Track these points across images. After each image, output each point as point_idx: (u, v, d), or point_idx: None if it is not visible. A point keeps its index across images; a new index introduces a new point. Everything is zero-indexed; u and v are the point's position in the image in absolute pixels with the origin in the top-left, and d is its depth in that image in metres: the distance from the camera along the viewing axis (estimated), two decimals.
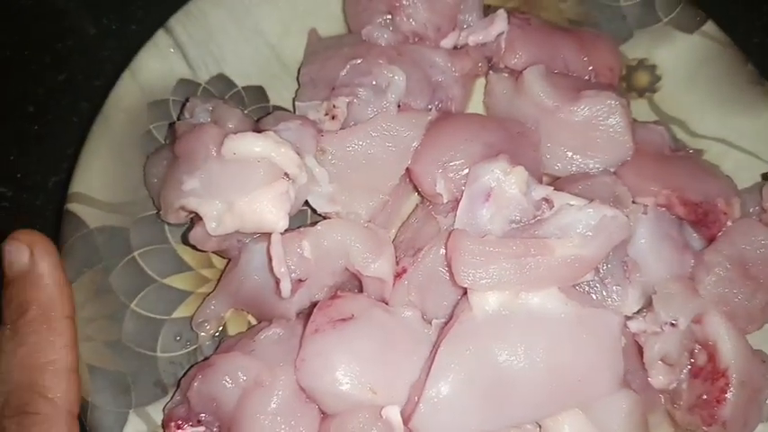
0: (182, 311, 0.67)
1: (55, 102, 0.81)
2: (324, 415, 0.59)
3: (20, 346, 0.56)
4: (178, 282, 0.68)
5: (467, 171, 0.65)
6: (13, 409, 0.54)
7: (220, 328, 0.67)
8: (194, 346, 0.66)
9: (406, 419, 0.57)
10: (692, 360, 0.64)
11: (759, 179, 0.70)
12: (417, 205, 0.71)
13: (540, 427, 0.60)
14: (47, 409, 0.55)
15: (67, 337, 0.58)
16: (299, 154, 0.64)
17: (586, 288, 0.62)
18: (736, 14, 0.83)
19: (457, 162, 0.65)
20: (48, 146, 0.79)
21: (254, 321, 0.68)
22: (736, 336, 0.62)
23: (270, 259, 0.61)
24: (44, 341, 0.57)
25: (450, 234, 0.61)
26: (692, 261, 0.66)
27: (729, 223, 0.66)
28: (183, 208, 0.63)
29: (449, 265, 0.60)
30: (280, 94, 0.75)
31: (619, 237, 0.60)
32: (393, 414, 0.57)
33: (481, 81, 0.76)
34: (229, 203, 0.61)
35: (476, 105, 0.76)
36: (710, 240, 0.66)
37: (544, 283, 0.59)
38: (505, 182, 0.62)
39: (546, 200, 0.63)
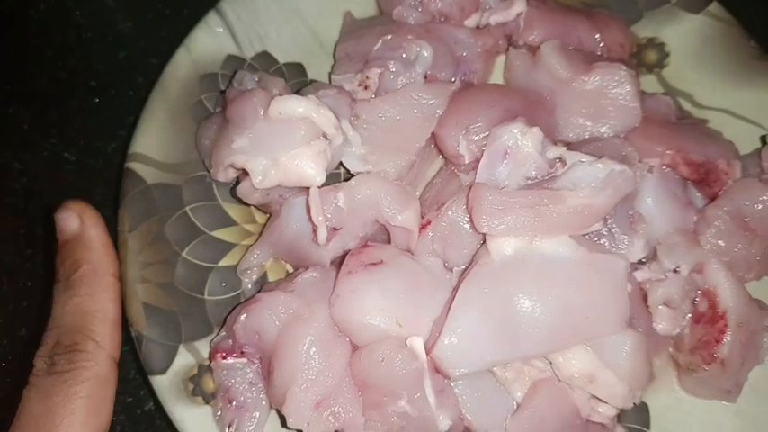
0: (227, 260, 0.74)
1: (114, 77, 0.90)
2: (355, 347, 0.66)
3: (72, 296, 0.63)
4: (224, 234, 0.75)
5: (487, 134, 0.71)
6: (63, 347, 0.60)
7: (261, 276, 0.75)
8: (238, 291, 0.73)
9: (429, 350, 0.63)
10: (694, 307, 0.69)
11: (760, 147, 0.75)
12: (441, 167, 0.77)
13: (550, 362, 0.66)
14: (93, 349, 0.61)
15: (113, 291, 0.65)
16: (335, 118, 0.71)
17: (595, 237, 0.68)
18: None
19: (478, 125, 0.71)
20: (107, 116, 0.88)
21: (291, 271, 0.75)
22: (734, 282, 0.67)
23: (308, 209, 0.68)
24: (94, 293, 0.64)
25: (470, 187, 0.67)
26: (695, 217, 0.71)
27: (730, 183, 0.72)
28: (232, 165, 0.71)
29: (469, 214, 0.66)
30: (317, 71, 0.82)
31: (626, 189, 0.66)
32: (417, 343, 0.63)
33: (502, 58, 0.82)
34: (274, 160, 0.68)
35: (497, 80, 0.82)
36: (712, 198, 0.72)
37: (556, 231, 0.64)
38: (522, 141, 0.68)
39: (559, 159, 0.69)
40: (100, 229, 0.66)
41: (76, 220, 0.66)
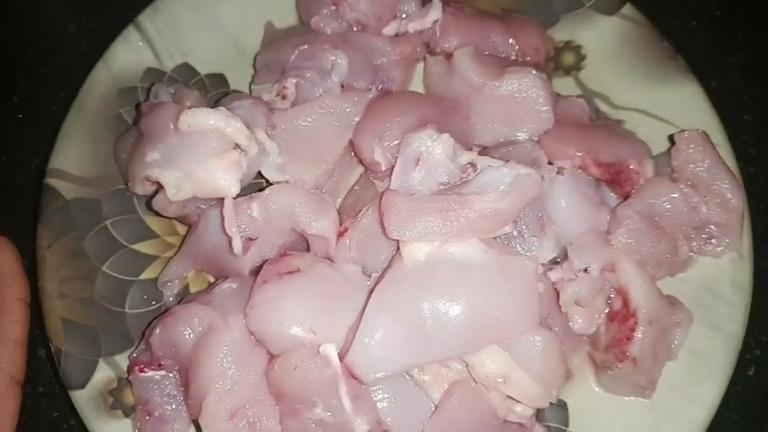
0: (148, 273, 0.74)
1: (37, 92, 0.90)
2: (271, 356, 0.66)
3: None
4: (145, 247, 0.75)
5: (400, 141, 0.72)
6: None
7: (183, 288, 0.75)
8: (159, 304, 0.73)
9: (343, 356, 0.64)
10: (609, 305, 0.70)
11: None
12: (361, 175, 0.78)
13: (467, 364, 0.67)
14: None
15: (18, 314, 0.67)
16: (249, 128, 0.71)
17: (506, 239, 0.69)
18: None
19: (392, 132, 0.72)
20: (30, 131, 0.88)
21: (213, 281, 0.75)
22: (644, 280, 0.68)
23: (222, 220, 0.69)
24: None
25: (382, 194, 0.68)
26: (608, 217, 0.72)
27: (642, 182, 0.73)
28: (147, 178, 0.71)
29: (381, 221, 0.67)
30: (239, 81, 0.83)
31: (532, 192, 0.67)
32: (330, 350, 0.64)
33: (422, 65, 0.83)
34: (187, 172, 0.69)
35: (417, 87, 0.83)
36: (626, 198, 0.73)
37: (466, 234, 0.65)
38: (433, 148, 0.69)
39: (471, 164, 0.70)
40: (8, 257, 0.69)
41: None
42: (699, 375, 0.70)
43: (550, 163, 0.72)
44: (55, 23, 0.95)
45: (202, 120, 0.68)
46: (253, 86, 0.79)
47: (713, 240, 0.73)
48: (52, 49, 0.92)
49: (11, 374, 0.62)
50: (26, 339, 0.65)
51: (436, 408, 0.67)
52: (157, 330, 0.67)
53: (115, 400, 0.68)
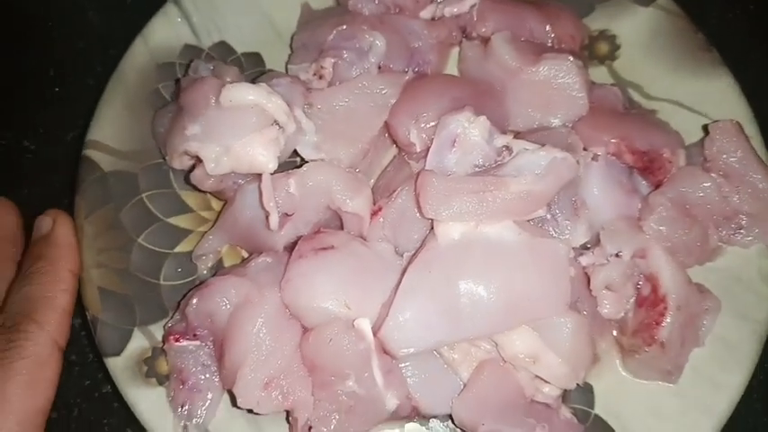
0: (183, 246, 0.75)
1: (73, 66, 0.91)
2: (305, 329, 0.67)
3: (26, 285, 0.66)
4: (180, 221, 0.76)
5: (436, 123, 0.72)
6: (5, 329, 0.63)
7: (217, 262, 0.76)
8: (194, 277, 0.74)
9: (376, 331, 0.65)
10: (638, 291, 0.71)
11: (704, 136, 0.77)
12: (395, 156, 0.79)
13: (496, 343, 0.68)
14: (34, 330, 0.63)
15: (68, 284, 0.68)
16: (288, 106, 0.72)
17: (539, 222, 0.70)
18: None
19: (428, 114, 0.73)
20: (66, 105, 0.89)
21: (246, 256, 0.76)
22: (675, 267, 0.69)
23: (260, 195, 0.70)
24: (46, 282, 0.67)
25: (418, 174, 0.69)
26: (640, 204, 0.73)
27: (674, 171, 0.74)
28: (185, 152, 0.72)
29: (417, 200, 0.68)
30: (275, 61, 0.83)
31: (567, 176, 0.67)
32: (364, 324, 0.65)
33: (457, 49, 0.84)
34: (226, 146, 0.70)
35: (451, 71, 0.83)
36: (657, 186, 0.73)
37: (501, 216, 0.66)
38: (469, 130, 0.70)
39: (506, 147, 0.71)
40: (67, 230, 0.70)
41: (50, 222, 0.70)
42: (725, 363, 0.70)
43: (585, 149, 0.73)
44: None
45: (243, 95, 0.69)
46: (289, 66, 0.80)
47: (742, 230, 0.73)
48: (88, 24, 0.93)
49: (55, 340, 0.63)
50: (72, 310, 0.66)
51: (465, 385, 0.68)
52: (194, 301, 0.68)
53: (149, 369, 0.69)
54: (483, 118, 0.70)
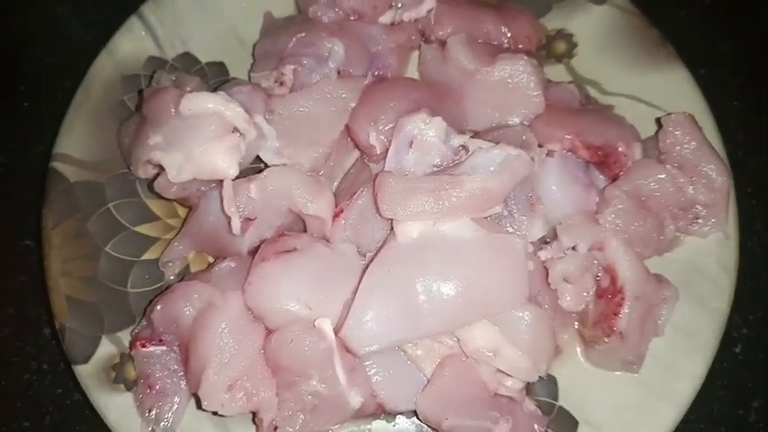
0: (150, 254, 0.76)
1: (43, 82, 0.93)
2: (268, 331, 0.68)
3: None
4: (147, 229, 0.78)
5: (394, 125, 0.74)
6: None
7: (184, 268, 0.77)
8: (161, 283, 0.75)
9: (337, 330, 0.66)
10: (598, 283, 0.72)
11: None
12: (357, 159, 0.80)
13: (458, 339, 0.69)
14: None
15: None
16: (248, 113, 0.73)
17: (497, 219, 0.71)
18: None
19: (386, 117, 0.74)
20: (37, 119, 0.91)
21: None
22: (632, 258, 0.70)
23: (222, 200, 0.71)
24: None
25: (376, 176, 0.70)
26: (597, 198, 0.74)
27: (630, 164, 0.75)
28: (149, 161, 0.73)
29: (375, 201, 0.69)
30: (239, 69, 0.84)
31: (522, 172, 0.69)
32: (325, 324, 0.66)
33: (416, 53, 0.85)
34: (187, 154, 0.71)
35: (412, 74, 0.85)
36: (614, 180, 0.75)
37: (457, 213, 0.67)
38: (426, 131, 0.71)
39: (463, 146, 0.72)
40: None
41: None
42: (685, 351, 0.72)
43: (541, 146, 0.74)
44: (59, 15, 0.98)
45: (202, 103, 0.70)
46: (252, 74, 0.82)
47: (699, 220, 0.75)
48: (57, 39, 0.95)
49: None
50: None
51: (428, 381, 0.69)
52: (159, 306, 0.69)
53: (117, 375, 0.70)
54: (439, 119, 0.71)
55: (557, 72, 0.84)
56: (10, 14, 0.96)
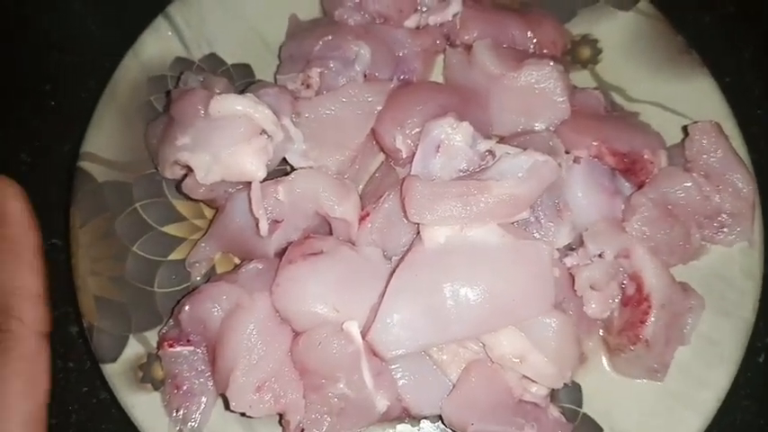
0: (177, 254, 0.77)
1: (68, 80, 0.93)
2: (295, 333, 0.69)
3: None
4: (174, 230, 0.78)
5: (421, 129, 0.74)
6: None
7: (210, 269, 0.77)
8: (187, 284, 0.76)
9: (365, 334, 0.66)
10: (623, 290, 0.72)
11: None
12: (382, 162, 0.80)
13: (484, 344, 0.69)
14: (17, 328, 0.62)
15: (35, 265, 0.65)
16: (276, 115, 0.74)
17: (524, 225, 0.71)
18: None
19: (413, 121, 0.75)
20: (61, 118, 0.91)
21: (239, 263, 0.78)
22: (658, 266, 0.70)
23: (250, 202, 0.71)
24: (13, 270, 0.64)
25: (403, 180, 0.70)
26: (623, 205, 0.74)
27: (656, 172, 0.75)
28: (176, 162, 0.74)
29: (402, 205, 0.69)
30: (264, 71, 0.85)
31: (549, 178, 0.69)
32: (353, 328, 0.66)
33: (442, 57, 0.85)
34: (216, 156, 0.71)
35: (437, 78, 0.85)
36: (640, 187, 0.75)
37: (484, 219, 0.68)
38: (453, 135, 0.72)
39: (489, 151, 0.72)
40: (20, 203, 0.66)
41: None
42: (710, 360, 0.72)
43: (567, 152, 0.74)
44: (83, 15, 0.98)
45: (231, 105, 0.71)
46: (278, 76, 0.82)
47: (725, 229, 0.75)
48: (81, 39, 0.96)
49: (39, 330, 0.63)
50: (43, 290, 0.64)
51: (454, 386, 0.69)
52: (186, 307, 0.70)
53: (145, 375, 0.71)
54: (466, 123, 0.72)
55: (582, 78, 0.84)
56: (36, 14, 0.97)
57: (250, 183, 0.72)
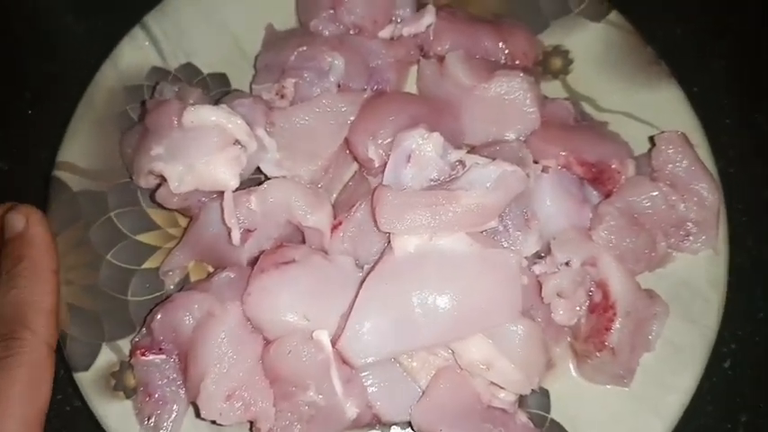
0: (150, 263, 0.77)
1: (48, 89, 0.94)
2: (266, 342, 0.69)
3: (11, 288, 0.69)
4: (148, 238, 0.79)
5: (392, 139, 0.75)
6: (0, 336, 0.66)
7: (183, 277, 0.78)
8: (161, 292, 0.77)
9: (334, 342, 0.67)
10: (590, 298, 0.73)
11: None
12: (356, 172, 0.81)
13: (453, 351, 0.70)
14: (28, 336, 0.66)
15: (51, 285, 0.71)
16: (250, 126, 0.75)
17: (492, 233, 0.72)
18: (648, 7, 0.94)
19: (385, 131, 0.75)
20: (41, 126, 0.92)
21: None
22: (623, 273, 0.71)
23: (222, 212, 0.72)
24: (31, 286, 0.69)
25: (374, 189, 0.71)
26: (590, 214, 0.76)
27: (624, 181, 0.76)
28: (151, 171, 0.74)
29: (373, 214, 0.70)
30: (240, 81, 0.85)
31: (517, 188, 0.70)
32: (322, 336, 0.67)
33: (416, 67, 0.86)
34: (189, 166, 0.72)
35: (411, 89, 0.86)
36: (607, 196, 0.76)
37: (453, 228, 0.69)
38: (424, 146, 0.73)
39: (460, 161, 0.73)
40: (43, 229, 0.72)
41: (23, 220, 0.72)
42: (675, 366, 0.73)
43: (536, 162, 0.76)
44: (65, 23, 0.99)
45: (205, 116, 0.72)
46: (253, 86, 0.83)
47: (690, 237, 0.76)
48: (62, 48, 0.97)
49: (48, 342, 0.67)
50: (57, 308, 0.70)
51: (423, 393, 0.70)
52: (158, 316, 0.70)
53: (117, 383, 0.72)
54: (436, 134, 0.73)
55: (553, 88, 0.85)
56: (16, 21, 0.98)
57: (223, 192, 0.73)
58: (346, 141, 0.79)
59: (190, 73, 0.85)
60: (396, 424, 0.73)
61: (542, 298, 0.72)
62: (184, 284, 0.77)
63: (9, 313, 0.67)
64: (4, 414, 0.63)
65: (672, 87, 0.83)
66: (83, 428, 0.79)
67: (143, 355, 0.71)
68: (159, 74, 0.83)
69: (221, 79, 0.86)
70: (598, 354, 0.71)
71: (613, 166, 0.76)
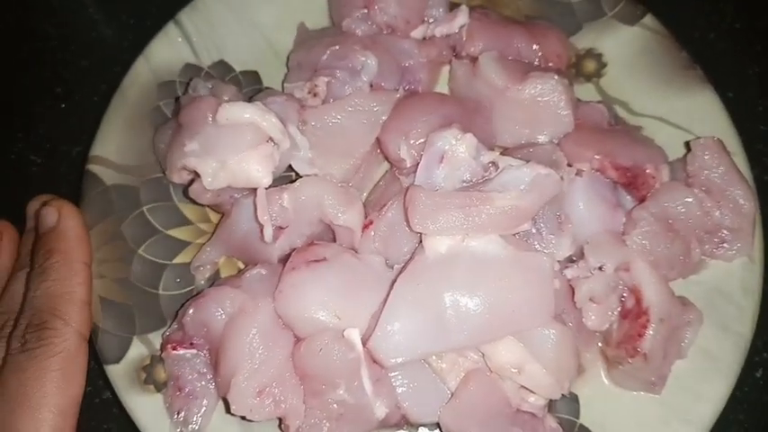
0: (182, 258, 0.78)
1: (79, 84, 0.95)
2: (297, 339, 0.70)
3: (44, 281, 0.69)
4: (179, 233, 0.79)
5: (425, 139, 0.75)
6: (34, 327, 0.67)
7: (214, 273, 0.78)
8: (191, 287, 0.77)
9: (365, 341, 0.67)
10: (622, 303, 0.73)
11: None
12: (386, 171, 0.81)
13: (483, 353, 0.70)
14: (61, 327, 0.67)
15: (83, 276, 0.71)
16: (283, 123, 0.75)
17: (525, 236, 0.72)
18: (682, 11, 0.93)
19: (417, 131, 0.75)
20: (72, 121, 0.93)
21: (243, 267, 0.79)
22: (657, 280, 0.71)
23: (255, 208, 0.72)
24: (64, 277, 0.70)
25: (407, 189, 0.71)
26: (624, 219, 0.75)
27: (658, 186, 0.76)
28: (184, 167, 0.75)
29: (405, 215, 0.70)
30: (272, 78, 0.86)
31: (551, 191, 0.70)
32: (354, 335, 0.67)
33: (447, 68, 0.86)
34: (223, 162, 0.72)
35: (442, 89, 0.86)
36: (641, 201, 0.75)
37: (486, 230, 0.68)
38: (457, 146, 0.72)
39: (493, 163, 0.73)
40: (75, 222, 0.73)
41: (55, 214, 0.73)
42: (707, 374, 0.72)
43: (570, 165, 0.75)
44: (96, 20, 1.00)
45: (239, 113, 0.72)
46: (285, 84, 0.83)
47: (725, 244, 0.75)
48: (93, 43, 0.98)
49: (81, 332, 0.68)
50: (90, 299, 0.71)
51: (452, 395, 0.70)
52: (191, 310, 0.71)
53: (148, 376, 0.72)
54: (470, 135, 0.72)
55: (586, 91, 0.85)
56: (47, 17, 0.99)
57: (256, 189, 0.73)
58: (378, 141, 0.78)
59: (222, 70, 0.85)
60: (423, 425, 0.73)
61: (574, 302, 0.72)
62: (215, 280, 0.78)
63: (42, 305, 0.68)
64: (39, 403, 0.63)
65: (707, 92, 0.82)
66: (112, 420, 0.80)
67: (174, 349, 0.71)
68: (192, 70, 0.84)
69: (253, 77, 0.86)
70: (630, 360, 0.70)
71: (648, 171, 0.75)
